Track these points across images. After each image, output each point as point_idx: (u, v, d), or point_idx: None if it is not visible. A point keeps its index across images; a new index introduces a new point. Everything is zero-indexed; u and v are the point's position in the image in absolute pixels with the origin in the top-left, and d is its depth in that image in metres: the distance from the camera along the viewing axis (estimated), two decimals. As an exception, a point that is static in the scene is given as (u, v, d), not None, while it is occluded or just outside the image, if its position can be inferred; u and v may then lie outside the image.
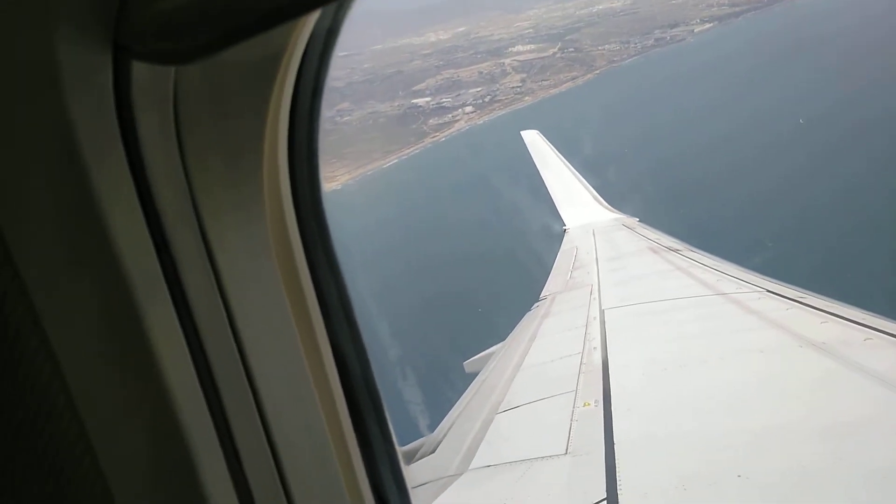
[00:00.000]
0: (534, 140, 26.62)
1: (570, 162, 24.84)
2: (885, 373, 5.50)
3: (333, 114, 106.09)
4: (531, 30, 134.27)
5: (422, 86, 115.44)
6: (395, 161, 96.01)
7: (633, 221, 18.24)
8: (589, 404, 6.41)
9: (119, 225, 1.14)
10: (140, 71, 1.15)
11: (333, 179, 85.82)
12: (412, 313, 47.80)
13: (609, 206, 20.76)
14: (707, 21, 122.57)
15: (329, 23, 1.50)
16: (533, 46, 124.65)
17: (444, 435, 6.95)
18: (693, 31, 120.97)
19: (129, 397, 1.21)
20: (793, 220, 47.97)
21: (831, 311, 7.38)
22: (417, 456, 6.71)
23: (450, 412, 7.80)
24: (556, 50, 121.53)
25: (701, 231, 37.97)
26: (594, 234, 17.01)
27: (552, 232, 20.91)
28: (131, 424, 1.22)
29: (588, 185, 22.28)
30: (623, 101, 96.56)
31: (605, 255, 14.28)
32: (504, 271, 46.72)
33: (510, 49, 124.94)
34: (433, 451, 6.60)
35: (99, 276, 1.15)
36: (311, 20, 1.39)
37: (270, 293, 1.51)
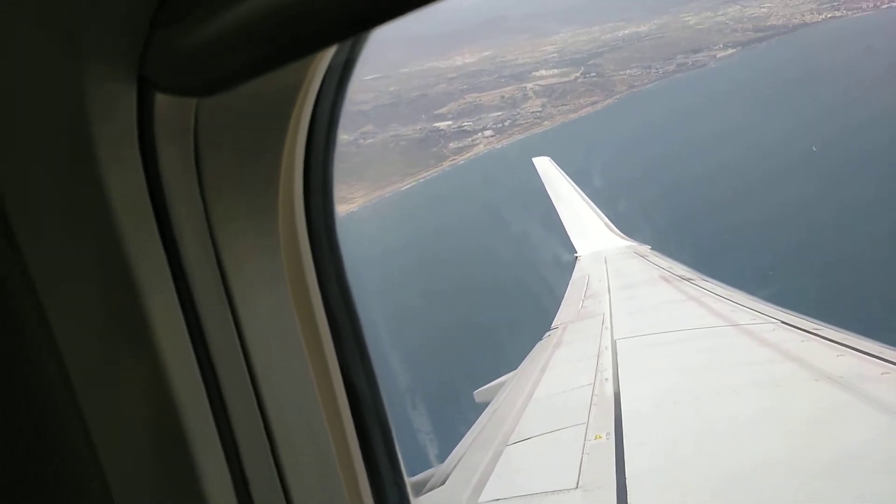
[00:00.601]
0: (546, 167, 26.58)
1: (582, 187, 24.80)
2: None
3: (357, 136, 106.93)
4: (556, 54, 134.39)
5: (444, 109, 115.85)
6: (413, 184, 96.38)
7: (646, 249, 18.09)
8: (600, 437, 6.35)
9: (137, 250, 1.17)
10: (163, 102, 1.19)
11: (351, 201, 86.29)
12: (422, 340, 47.49)
13: (621, 234, 20.59)
14: (730, 46, 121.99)
15: (345, 56, 1.53)
16: (556, 71, 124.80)
17: (454, 466, 6.89)
18: (715, 56, 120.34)
19: (140, 416, 1.23)
20: (810, 250, 47.41)
21: (847, 343, 7.30)
22: (427, 487, 6.66)
23: (460, 443, 7.74)
24: (578, 74, 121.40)
25: (714, 259, 37.65)
26: (606, 263, 16.88)
27: (564, 259, 20.81)
28: (136, 434, 1.24)
29: (600, 212, 22.16)
30: (639, 127, 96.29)
31: (617, 284, 14.17)
32: (515, 298, 46.39)
33: (533, 73, 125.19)
34: (443, 483, 6.54)
35: (115, 299, 1.18)
36: (328, 54, 1.42)
37: (283, 321, 1.53)
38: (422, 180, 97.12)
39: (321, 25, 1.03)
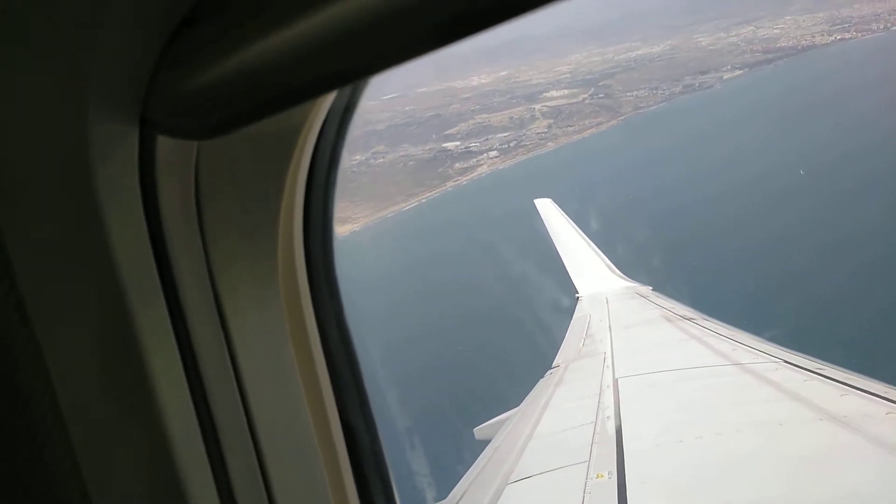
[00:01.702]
0: (547, 209, 26.79)
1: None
2: None
3: (369, 156, 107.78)
4: (569, 75, 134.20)
5: (454, 130, 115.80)
6: (416, 204, 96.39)
7: (647, 290, 18.02)
8: (602, 476, 6.30)
9: (136, 290, 1.18)
10: (165, 145, 1.20)
11: (355, 221, 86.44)
12: (420, 376, 46.58)
13: (622, 275, 20.61)
14: (738, 68, 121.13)
15: (346, 101, 1.55)
16: (567, 92, 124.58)
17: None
18: (722, 77, 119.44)
19: (132, 452, 1.22)
20: (815, 288, 46.51)
21: (851, 383, 7.27)
22: None
23: (461, 480, 7.69)
24: (586, 95, 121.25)
25: (715, 297, 37.38)
26: (607, 302, 16.84)
27: (564, 299, 20.80)
28: (132, 477, 1.23)
29: (601, 253, 22.24)
30: (636, 150, 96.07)
31: (619, 323, 14.12)
32: (514, 337, 45.26)
33: (544, 94, 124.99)
34: None
35: (112, 337, 1.18)
36: (329, 98, 1.44)
37: (281, 362, 1.53)
38: (423, 201, 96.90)
39: (321, 72, 1.04)
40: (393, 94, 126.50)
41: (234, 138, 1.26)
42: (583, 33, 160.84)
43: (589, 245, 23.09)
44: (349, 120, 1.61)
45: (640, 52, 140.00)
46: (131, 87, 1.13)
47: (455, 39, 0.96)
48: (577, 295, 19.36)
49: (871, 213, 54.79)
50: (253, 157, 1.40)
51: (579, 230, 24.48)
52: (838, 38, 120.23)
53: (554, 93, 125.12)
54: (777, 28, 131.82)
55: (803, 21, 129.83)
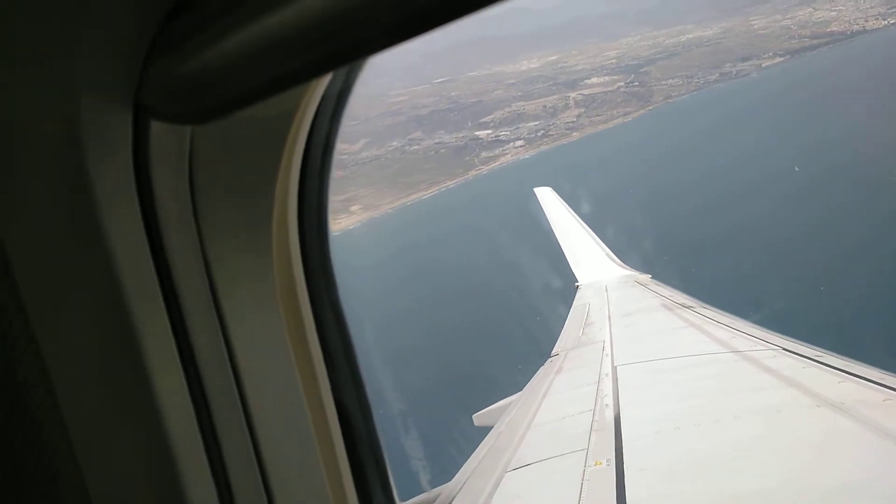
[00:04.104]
0: (547, 197, 26.82)
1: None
2: None
3: (405, 142, 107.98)
4: (615, 60, 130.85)
5: (489, 118, 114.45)
6: (435, 193, 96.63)
7: (646, 278, 18.03)
8: (601, 463, 6.29)
9: (130, 274, 1.18)
10: (158, 130, 1.21)
11: (377, 208, 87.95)
12: (422, 364, 47.12)
13: (621, 263, 20.66)
14: (780, 55, 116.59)
15: (340, 85, 1.55)
16: (606, 79, 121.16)
17: (459, 490, 6.84)
18: (761, 65, 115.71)
19: (130, 446, 1.24)
20: (817, 279, 46.48)
21: (849, 370, 7.25)
22: None
23: (464, 466, 7.71)
24: (622, 84, 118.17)
25: (715, 286, 37.46)
26: (606, 291, 16.87)
27: (564, 287, 20.84)
28: (131, 473, 1.25)
29: (600, 241, 22.23)
30: (655, 143, 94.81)
31: (618, 312, 14.11)
32: (514, 325, 45.57)
33: (585, 81, 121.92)
34: None
35: (106, 321, 1.19)
36: (324, 82, 1.43)
37: (276, 346, 1.53)
38: (443, 189, 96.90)
39: (315, 54, 1.03)
40: (442, 78, 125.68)
41: (227, 124, 1.26)
42: (639, 14, 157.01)
43: (588, 233, 23.06)
44: (344, 105, 1.61)
45: (690, 37, 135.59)
46: (124, 73, 1.13)
47: (451, 19, 0.93)
48: (576, 283, 19.42)
49: (874, 206, 54.47)
50: (247, 141, 1.39)
51: (578, 218, 24.42)
52: (891, 22, 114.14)
53: (595, 79, 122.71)
54: (834, 10, 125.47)
55: (862, 2, 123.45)
